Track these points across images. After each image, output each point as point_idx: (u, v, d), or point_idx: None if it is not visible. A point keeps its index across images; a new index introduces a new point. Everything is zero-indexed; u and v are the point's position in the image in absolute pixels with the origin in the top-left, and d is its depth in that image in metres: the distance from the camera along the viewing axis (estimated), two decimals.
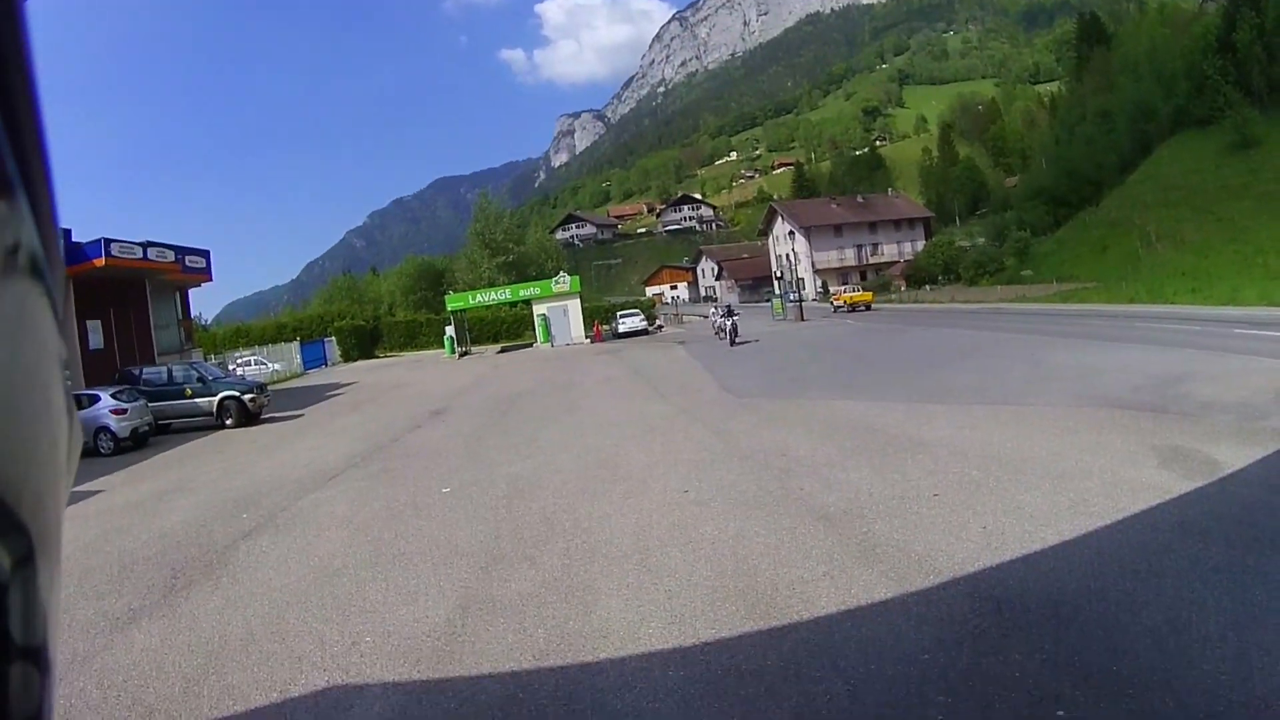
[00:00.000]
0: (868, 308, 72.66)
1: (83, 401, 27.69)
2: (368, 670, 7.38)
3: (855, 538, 9.21)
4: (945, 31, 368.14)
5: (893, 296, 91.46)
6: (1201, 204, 73.56)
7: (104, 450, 26.87)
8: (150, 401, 30.01)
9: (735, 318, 46.83)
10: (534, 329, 64.09)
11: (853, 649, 6.61)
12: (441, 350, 64.77)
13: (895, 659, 6.38)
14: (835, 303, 75.88)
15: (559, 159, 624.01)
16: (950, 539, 8.80)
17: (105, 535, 14.45)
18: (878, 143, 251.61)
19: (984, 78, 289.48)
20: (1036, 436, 13.53)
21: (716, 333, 51.11)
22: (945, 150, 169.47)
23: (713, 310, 58.96)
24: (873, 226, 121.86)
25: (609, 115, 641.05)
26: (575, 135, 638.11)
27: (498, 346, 68.47)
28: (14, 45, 1.10)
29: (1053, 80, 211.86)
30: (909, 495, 10.65)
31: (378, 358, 70.78)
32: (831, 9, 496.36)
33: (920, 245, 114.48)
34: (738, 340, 44.75)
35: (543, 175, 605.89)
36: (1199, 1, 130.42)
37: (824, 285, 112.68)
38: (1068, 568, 7.83)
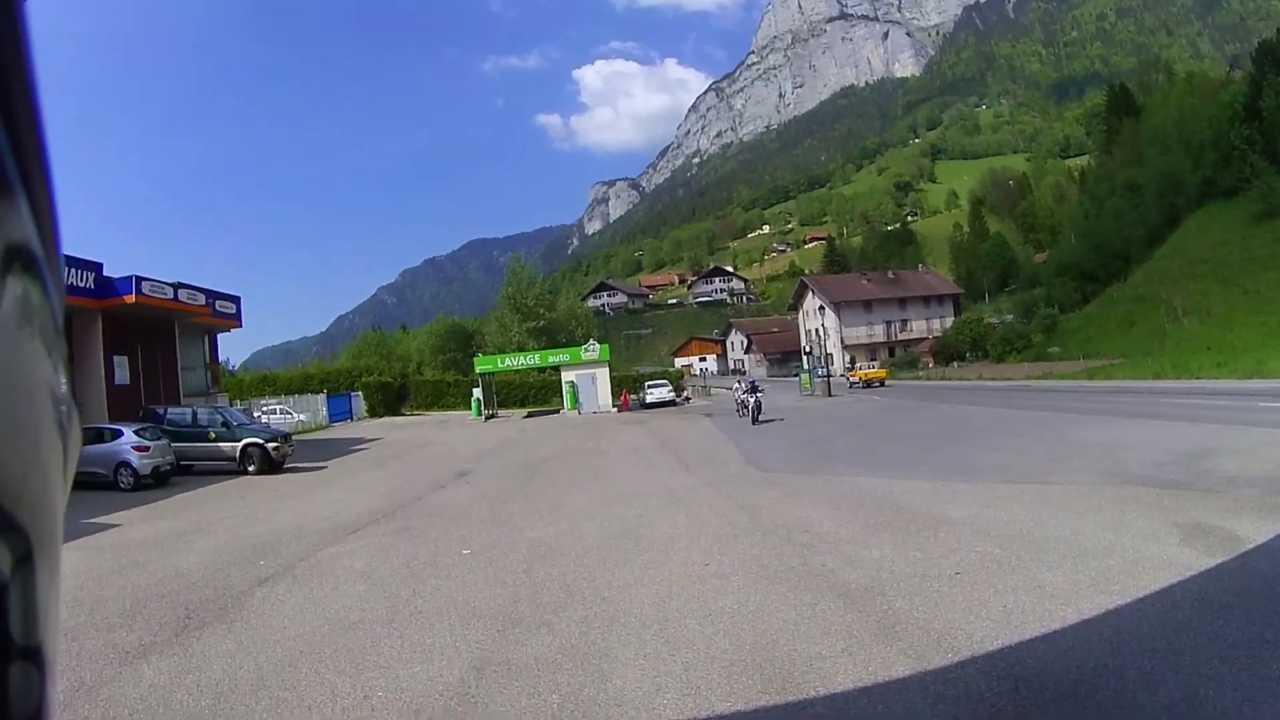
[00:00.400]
0: (882, 384, 74.18)
1: (105, 435, 27.98)
2: None
3: (875, 614, 9.07)
4: (978, 105, 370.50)
5: (920, 373, 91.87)
6: (1228, 276, 73.47)
7: (124, 486, 26.90)
8: (173, 442, 29.98)
9: (759, 394, 42.24)
10: (562, 395, 64.14)
11: None
12: (468, 411, 64.79)
13: None
14: (851, 379, 77.08)
15: (592, 226, 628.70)
16: (970, 617, 8.67)
17: (120, 569, 14.45)
18: (909, 218, 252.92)
19: (1015, 151, 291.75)
20: (1060, 514, 13.38)
21: (739, 409, 45.29)
22: (975, 226, 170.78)
23: (736, 385, 50.34)
24: (902, 302, 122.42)
25: (644, 184, 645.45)
26: (609, 203, 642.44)
27: (525, 411, 68.62)
28: (14, 45, 1.10)
29: (1083, 154, 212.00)
30: (930, 573, 10.51)
31: (403, 415, 70.80)
32: (866, 82, 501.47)
33: (950, 321, 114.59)
34: (760, 418, 40.34)
35: (576, 241, 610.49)
36: (1226, 69, 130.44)
37: (852, 360, 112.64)
38: (1087, 646, 7.70)
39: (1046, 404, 37.58)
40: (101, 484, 27.17)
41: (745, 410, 42.98)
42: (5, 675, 1.01)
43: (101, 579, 13.67)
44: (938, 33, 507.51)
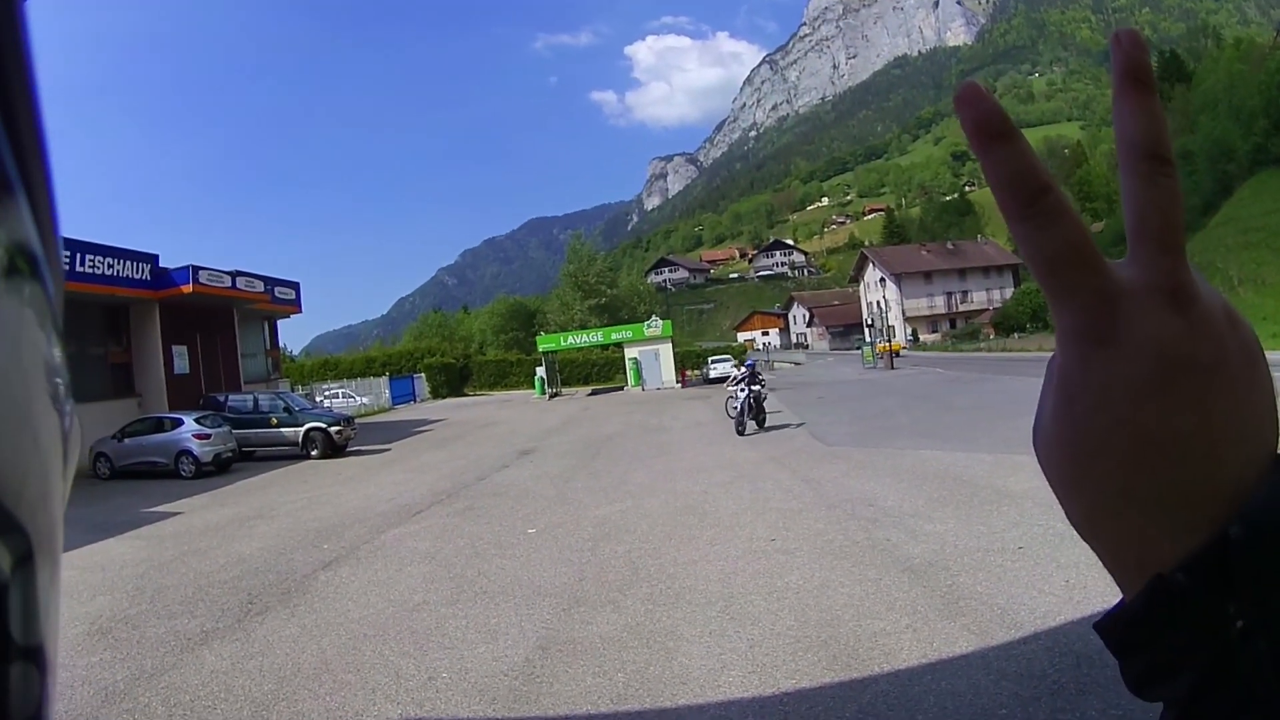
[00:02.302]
0: (895, 355, 72.10)
1: (165, 425, 28.29)
2: (442, 705, 7.22)
3: (939, 590, 9.00)
4: (1030, 74, 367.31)
5: (981, 345, 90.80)
6: None
7: (185, 474, 27.12)
8: (235, 428, 30.16)
9: (759, 386, 27.70)
10: (625, 372, 63.92)
11: (931, 702, 6.40)
12: (531, 390, 64.89)
13: (973, 713, 6.19)
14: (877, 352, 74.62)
15: (651, 202, 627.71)
16: (1033, 593, 8.57)
17: (182, 556, 14.53)
18: (966, 188, 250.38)
19: (1069, 120, 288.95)
20: None
21: (729, 409, 29.88)
22: None
23: (733, 378, 31.74)
24: (962, 273, 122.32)
25: (701, 159, 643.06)
26: (668, 178, 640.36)
27: (588, 388, 68.21)
28: (14, 45, 0.84)
29: None
30: (994, 547, 10.44)
31: (466, 396, 70.96)
32: (919, 51, 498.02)
33: (1009, 292, 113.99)
34: (760, 423, 27.63)
35: (635, 218, 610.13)
36: (1274, 34, 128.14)
37: (914, 333, 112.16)
38: None
39: None
40: (163, 473, 27.44)
41: (735, 411, 27.68)
42: (5, 675, 0.73)
43: (163, 567, 13.74)
44: (989, 0, 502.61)
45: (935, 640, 7.56)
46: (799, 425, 27.99)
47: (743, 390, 27.57)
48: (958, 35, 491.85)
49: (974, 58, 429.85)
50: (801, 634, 8.07)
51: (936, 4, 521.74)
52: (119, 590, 12.23)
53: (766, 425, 27.89)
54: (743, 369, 30.55)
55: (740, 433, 26.56)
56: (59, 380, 0.91)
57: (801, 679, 7.06)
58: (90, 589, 12.44)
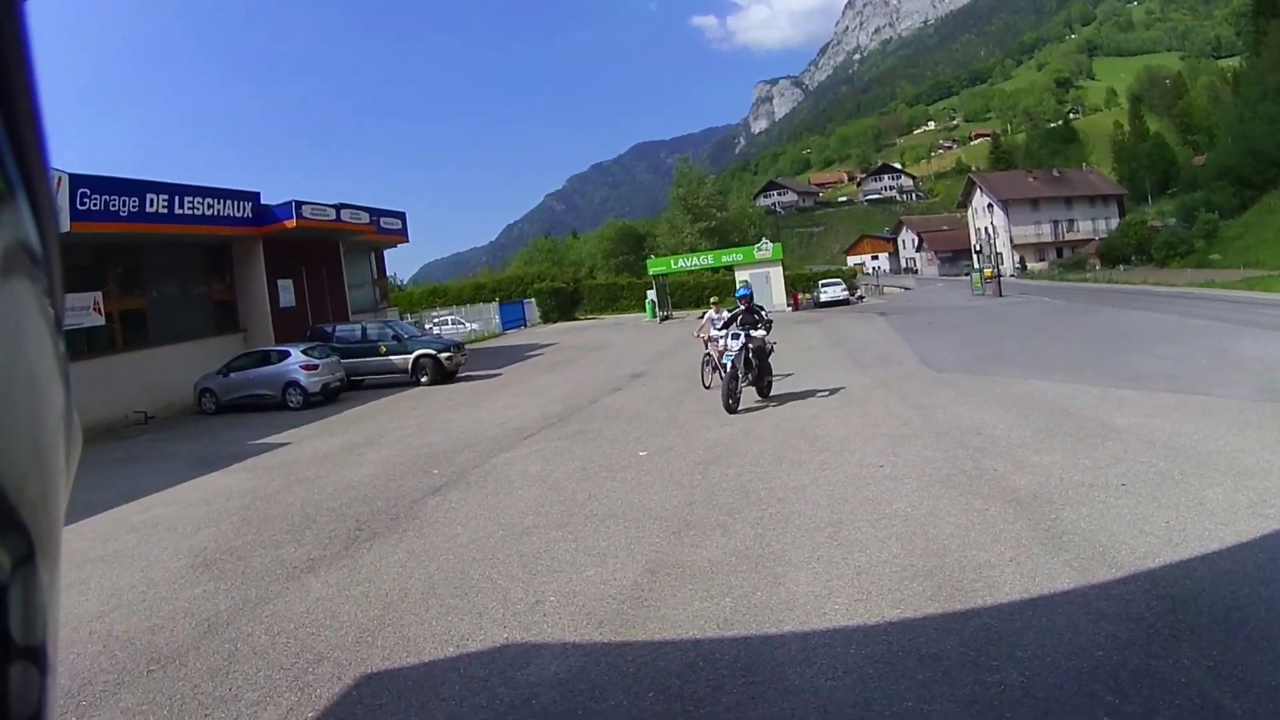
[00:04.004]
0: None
1: (272, 357, 28.63)
2: (549, 629, 7.23)
3: (1043, 524, 8.87)
4: (1129, 2, 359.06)
5: (1087, 275, 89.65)
6: None
7: (293, 405, 27.41)
8: (344, 358, 30.43)
9: (761, 331, 18.84)
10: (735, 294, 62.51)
11: (1031, 639, 6.31)
12: (642, 314, 65.14)
13: (1071, 653, 6.06)
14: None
15: (758, 125, 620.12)
16: (1134, 532, 8.40)
17: (288, 486, 14.68)
18: (1071, 115, 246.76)
19: (1169, 50, 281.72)
20: (1221, 429, 12.79)
21: (703, 372, 22.64)
22: (1135, 125, 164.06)
23: (708, 318, 23.58)
24: (1068, 202, 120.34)
25: (806, 82, 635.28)
26: (774, 102, 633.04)
27: (699, 311, 67.16)
28: (14, 45, 1.12)
29: (1234, 55, 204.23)
30: (1098, 483, 10.27)
31: (577, 320, 71.18)
32: None
33: (1114, 222, 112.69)
34: (764, 390, 19.55)
35: (742, 142, 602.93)
36: None
37: (1021, 260, 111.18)
38: (1242, 570, 7.38)
39: (1208, 313, 36.09)
40: (270, 405, 27.79)
41: (727, 372, 18.63)
42: (5, 675, 1.00)
43: (269, 497, 13.85)
44: None
45: (1037, 575, 7.52)
46: (833, 392, 19.65)
47: (733, 339, 18.40)
48: None
49: None
50: (907, 562, 8.06)
51: None
52: (224, 522, 12.35)
53: (774, 393, 19.61)
54: (723, 310, 22.89)
55: (730, 408, 17.71)
56: (60, 380, 1.20)
57: (906, 608, 7.06)
58: (194, 522, 12.59)
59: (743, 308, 19.22)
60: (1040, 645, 6.15)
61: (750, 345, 18.37)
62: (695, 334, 23.79)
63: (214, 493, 14.92)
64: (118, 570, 10.42)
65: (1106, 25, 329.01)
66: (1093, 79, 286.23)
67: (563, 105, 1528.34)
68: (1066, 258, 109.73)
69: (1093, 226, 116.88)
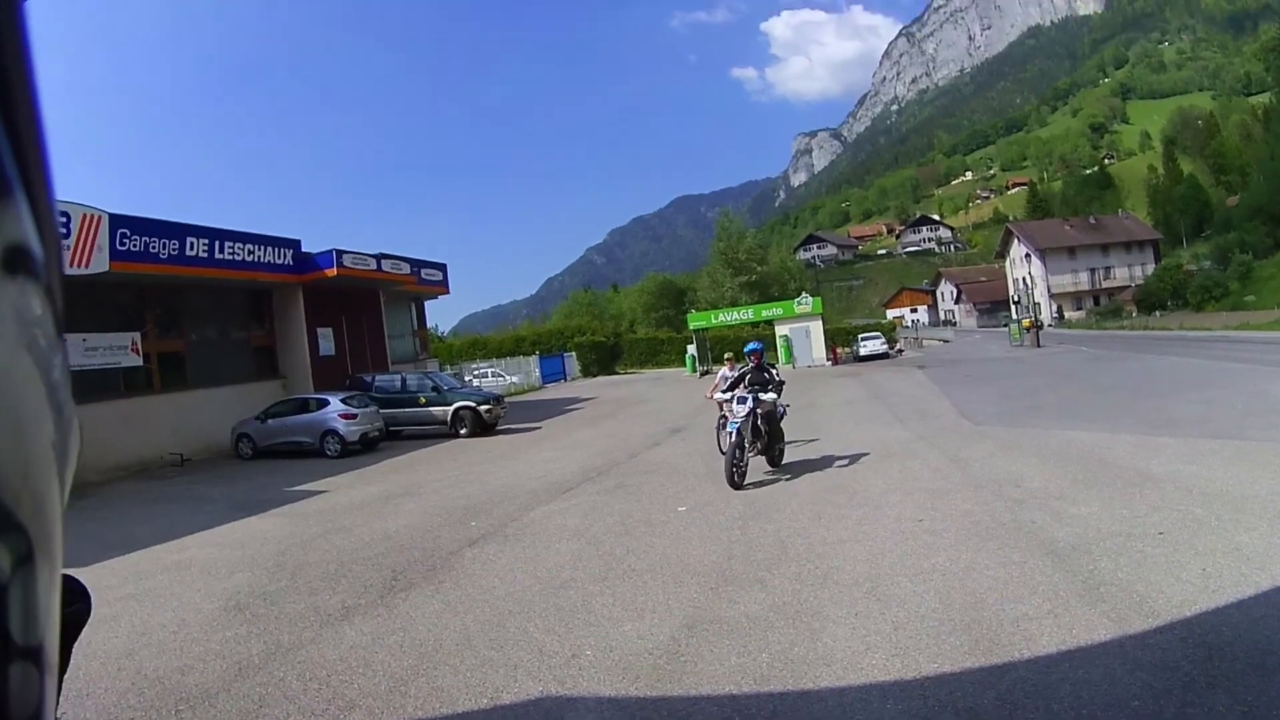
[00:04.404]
0: (1040, 328, 70.52)
1: (311, 405, 28.71)
2: (584, 683, 7.16)
3: (1081, 575, 8.83)
4: (1160, 42, 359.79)
5: (1124, 323, 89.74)
6: None
7: (330, 453, 27.43)
8: (382, 408, 30.48)
9: (771, 394, 16.84)
10: (775, 349, 62.82)
11: (1067, 691, 6.26)
12: (682, 368, 65.10)
13: (1107, 703, 6.02)
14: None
15: (797, 178, 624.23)
16: (1170, 579, 8.37)
17: (325, 534, 14.65)
18: (1105, 160, 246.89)
19: (1200, 90, 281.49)
20: (1256, 473, 12.80)
21: (719, 440, 19.02)
22: (1169, 168, 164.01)
23: (722, 376, 19.86)
24: (1104, 249, 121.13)
25: (845, 133, 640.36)
26: (813, 154, 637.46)
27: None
28: (14, 45, 1.12)
29: (1264, 90, 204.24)
30: (1135, 532, 10.18)
31: (617, 374, 71.62)
32: (1051, 20, 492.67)
33: (1150, 268, 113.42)
34: (775, 459, 17.44)
35: (782, 194, 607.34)
36: None
37: (1059, 309, 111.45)
38: (1277, 615, 7.41)
39: (1242, 356, 36.00)
40: (308, 453, 27.83)
41: (732, 440, 16.00)
42: (5, 675, 1.01)
43: (305, 544, 13.86)
44: None
45: (1075, 627, 7.46)
46: (849, 462, 17.54)
47: (739, 403, 16.09)
48: (1087, 4, 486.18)
49: (1104, 26, 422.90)
50: (945, 616, 8.01)
51: None
52: (259, 566, 12.37)
53: (786, 461, 17.69)
54: (738, 366, 19.02)
55: (735, 482, 15.33)
56: (60, 380, 1.20)
57: (943, 662, 7.00)
58: (229, 565, 12.62)
59: (752, 365, 17.25)
60: (1076, 697, 6.12)
61: (759, 410, 16.23)
62: (708, 395, 19.54)
63: (249, 537, 14.99)
64: (149, 609, 10.45)
65: (1139, 67, 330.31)
66: (1127, 123, 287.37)
67: (604, 159, 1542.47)
68: (1103, 305, 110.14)
69: (1129, 273, 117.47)
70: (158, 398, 30.47)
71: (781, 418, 17.51)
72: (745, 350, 17.98)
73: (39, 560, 1.06)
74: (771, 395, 16.64)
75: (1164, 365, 34.67)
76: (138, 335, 29.83)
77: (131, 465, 27.35)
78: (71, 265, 25.36)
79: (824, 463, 17.90)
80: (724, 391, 17.20)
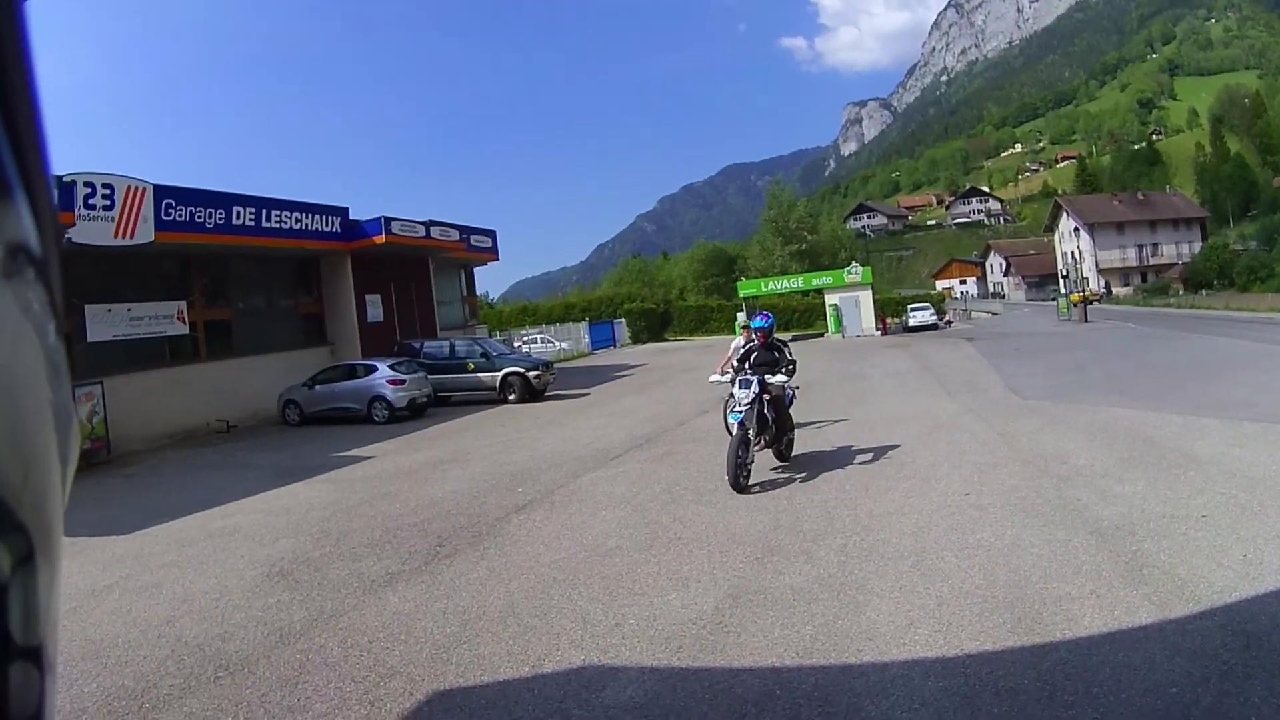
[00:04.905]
0: (1090, 303, 69.93)
1: (359, 371, 28.87)
2: (627, 653, 7.16)
3: (1124, 556, 8.78)
4: (1207, 19, 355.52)
5: (1171, 301, 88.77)
6: None
7: (378, 419, 27.53)
8: (431, 374, 30.52)
9: (780, 375, 14.25)
10: (825, 318, 63.69)
11: (1107, 674, 6.23)
12: (732, 336, 63.68)
13: (1145, 689, 5.98)
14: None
15: (848, 147, 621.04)
16: (1212, 565, 8.29)
17: (371, 500, 14.70)
18: (1154, 136, 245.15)
19: (1247, 68, 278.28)
20: None
21: (727, 423, 15.39)
22: (1217, 146, 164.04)
23: (735, 347, 16.88)
24: (1152, 225, 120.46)
25: (895, 104, 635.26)
26: (863, 124, 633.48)
27: (789, 334, 65.79)
28: (14, 45, 1.12)
29: None
30: (1179, 514, 10.08)
31: (667, 341, 71.54)
32: None
33: (1197, 246, 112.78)
34: (783, 452, 15.20)
35: (832, 163, 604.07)
36: None
37: (1107, 285, 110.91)
38: None
39: None
40: (355, 419, 28.01)
41: (737, 431, 13.76)
42: (5, 675, 1.01)
43: (350, 510, 13.90)
44: None
45: (1116, 609, 7.42)
46: (874, 457, 15.29)
47: (743, 386, 13.77)
48: None
49: (1152, 1, 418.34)
50: (989, 594, 7.97)
51: None
52: (303, 533, 12.42)
53: (796, 453, 15.46)
54: (741, 338, 17.56)
55: (738, 484, 12.97)
56: (61, 380, 1.19)
57: (985, 640, 6.98)
58: (273, 532, 12.68)
59: (758, 343, 15.11)
60: (1116, 681, 6.09)
61: (766, 396, 13.93)
62: (717, 370, 16.76)
63: (295, 503, 15.05)
64: (191, 576, 10.52)
65: (1186, 44, 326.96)
66: (1175, 99, 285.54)
67: (655, 126, 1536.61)
68: (1151, 282, 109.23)
69: (1176, 250, 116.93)
70: (204, 365, 30.66)
71: (790, 403, 15.33)
72: (753, 324, 15.32)
73: (39, 560, 1.07)
74: (781, 378, 14.12)
75: (1211, 346, 34.42)
76: (184, 304, 30.04)
77: (177, 433, 27.56)
78: (116, 236, 25.63)
79: (872, 434, 17.74)
80: (737, 374, 14.43)
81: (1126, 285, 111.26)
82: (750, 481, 13.20)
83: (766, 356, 14.75)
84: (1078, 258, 77.82)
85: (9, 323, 1.01)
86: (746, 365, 14.72)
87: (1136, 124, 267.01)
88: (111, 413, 24.29)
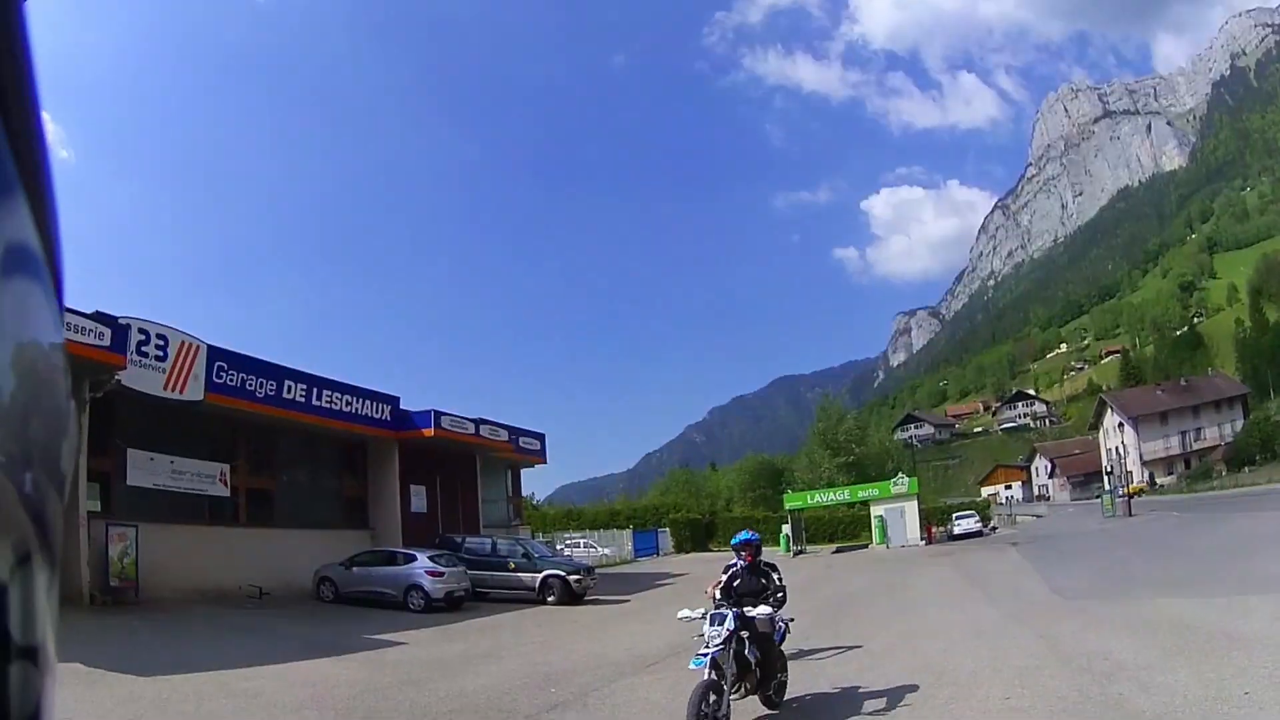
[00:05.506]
0: (1134, 496, 72.12)
1: (398, 558, 28.93)
2: None
3: None
4: (1242, 189, 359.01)
5: (1214, 483, 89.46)
6: None
7: (414, 607, 27.29)
8: (471, 569, 30.38)
9: (768, 609, 11.71)
10: (869, 528, 63.55)
11: None
12: (776, 547, 62.67)
13: None
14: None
15: (896, 358, 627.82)
16: None
17: (399, 684, 14.53)
18: (1195, 319, 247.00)
19: None
20: None
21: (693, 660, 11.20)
22: (1256, 318, 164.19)
23: (728, 569, 13.27)
24: (1195, 410, 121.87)
25: (943, 311, 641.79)
26: (912, 333, 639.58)
27: (832, 545, 67.70)
28: (14, 45, 1.13)
29: None
30: (1221, 695, 10.28)
31: (711, 551, 69.82)
32: (1139, 181, 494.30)
33: (1239, 424, 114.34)
34: (773, 699, 12.28)
35: (881, 375, 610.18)
36: None
37: (1151, 476, 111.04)
38: None
39: None
40: (390, 604, 27.73)
41: (707, 671, 10.65)
42: (5, 675, 1.02)
43: (378, 691, 13.77)
44: (1194, 116, 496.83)
45: None
46: (909, 675, 13.91)
47: (718, 623, 11.20)
48: (1172, 159, 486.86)
49: (1189, 180, 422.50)
50: None
51: (1149, 128, 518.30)
52: (327, 707, 12.37)
53: (788, 699, 12.72)
54: (728, 579, 13.05)
55: None
56: (60, 380, 1.21)
57: None
58: (296, 703, 12.60)
59: (742, 564, 12.87)
60: None
61: (746, 633, 11.38)
62: (707, 591, 13.61)
63: (321, 677, 14.97)
64: None
65: (1224, 218, 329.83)
66: (1214, 277, 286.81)
67: (706, 337, 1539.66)
68: (1194, 468, 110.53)
69: (1219, 432, 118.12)
70: (243, 530, 30.76)
71: (782, 639, 12.85)
72: (733, 542, 13.36)
73: (39, 560, 1.08)
74: (765, 610, 11.61)
75: (1252, 525, 34.80)
76: (227, 468, 30.25)
77: (209, 591, 27.33)
78: (166, 389, 26.10)
79: (914, 643, 17.82)
80: (688, 613, 12.29)
81: (1170, 474, 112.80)
82: None
83: (751, 583, 12.56)
84: (1122, 453, 78.21)
85: (8, 322, 1.01)
86: (731, 594, 12.45)
87: (1178, 310, 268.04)
88: (144, 558, 24.45)
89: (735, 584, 12.42)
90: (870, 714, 11.31)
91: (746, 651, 11.15)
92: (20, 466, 1.01)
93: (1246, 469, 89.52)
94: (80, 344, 21.50)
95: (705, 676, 10.42)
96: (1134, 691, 10.99)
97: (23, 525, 1.02)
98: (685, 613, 12.16)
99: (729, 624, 10.91)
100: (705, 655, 10.66)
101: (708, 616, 11.31)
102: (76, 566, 22.88)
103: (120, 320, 23.99)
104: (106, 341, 22.65)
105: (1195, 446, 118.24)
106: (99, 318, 22.79)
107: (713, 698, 10.15)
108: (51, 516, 1.12)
